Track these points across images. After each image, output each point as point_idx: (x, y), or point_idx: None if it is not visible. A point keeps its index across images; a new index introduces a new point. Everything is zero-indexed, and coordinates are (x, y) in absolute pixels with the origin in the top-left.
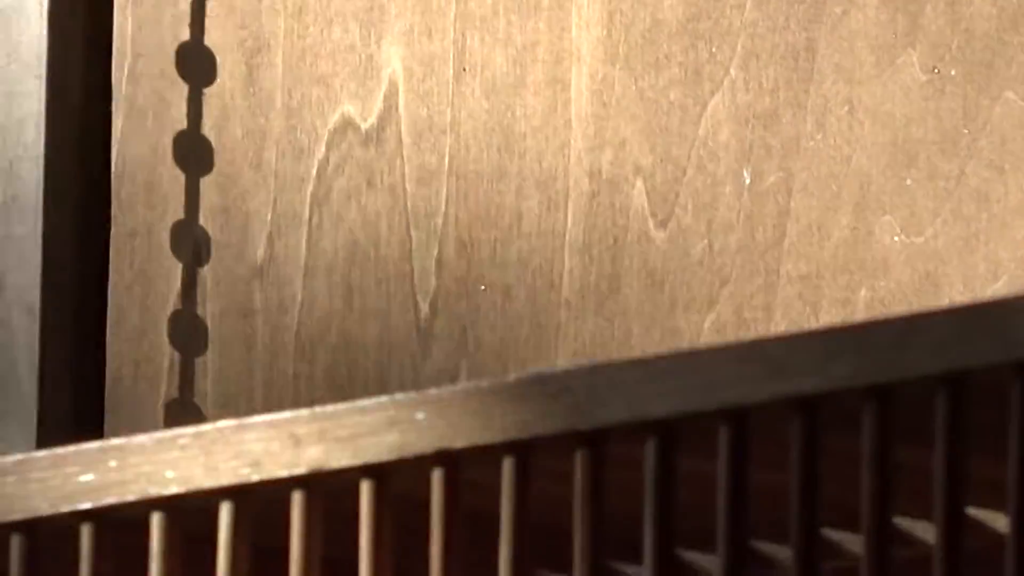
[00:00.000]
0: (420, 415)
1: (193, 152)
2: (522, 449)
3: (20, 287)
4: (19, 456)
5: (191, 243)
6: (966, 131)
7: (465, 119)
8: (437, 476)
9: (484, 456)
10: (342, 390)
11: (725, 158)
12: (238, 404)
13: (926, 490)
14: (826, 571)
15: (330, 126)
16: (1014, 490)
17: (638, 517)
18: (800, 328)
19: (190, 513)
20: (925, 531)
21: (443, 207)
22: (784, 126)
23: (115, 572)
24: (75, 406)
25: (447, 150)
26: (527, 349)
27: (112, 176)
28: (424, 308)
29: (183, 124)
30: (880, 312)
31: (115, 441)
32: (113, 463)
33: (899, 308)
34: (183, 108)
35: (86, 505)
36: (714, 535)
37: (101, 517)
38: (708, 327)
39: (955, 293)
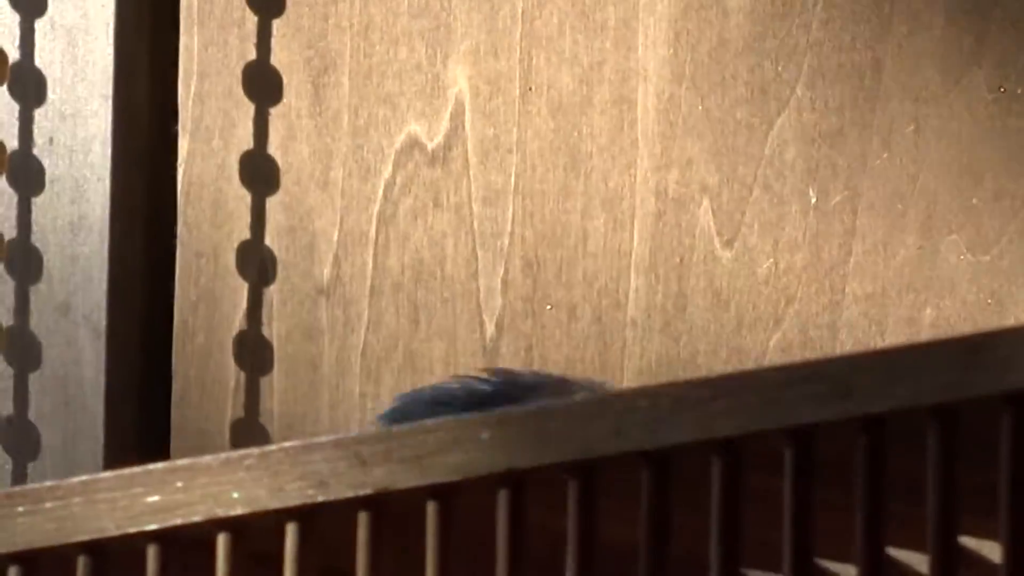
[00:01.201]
0: (485, 435)
1: (259, 172)
2: (586, 469)
3: (87, 307)
4: (86, 477)
5: (257, 263)
6: None
7: (531, 138)
8: (502, 497)
9: (548, 476)
10: None
11: (791, 177)
12: (304, 424)
13: (992, 511)
14: None
15: (396, 145)
16: None
17: (704, 535)
18: (865, 347)
19: (256, 534)
20: (992, 551)
21: (509, 227)
22: (850, 145)
23: None
24: (141, 426)
25: (513, 169)
26: (592, 368)
27: (178, 196)
28: (490, 327)
29: (249, 144)
30: (945, 332)
31: (181, 462)
32: (179, 484)
33: (965, 328)
34: (249, 128)
35: (152, 526)
36: (780, 554)
37: (167, 538)
38: (773, 346)
39: (1021, 313)
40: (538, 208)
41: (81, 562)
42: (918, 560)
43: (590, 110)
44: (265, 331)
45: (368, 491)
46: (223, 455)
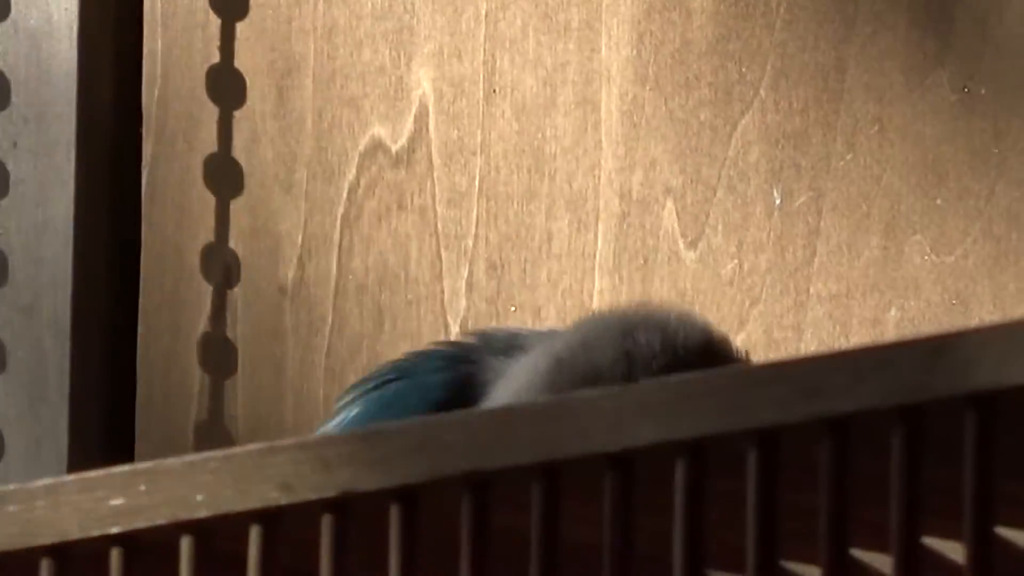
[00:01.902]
0: (450, 437)
1: (223, 175)
2: (552, 471)
3: (52, 310)
4: (49, 480)
5: (221, 265)
6: (996, 150)
7: (495, 140)
8: (467, 499)
9: (513, 478)
10: None
11: (755, 178)
12: (268, 427)
13: (957, 510)
14: None
15: (360, 148)
16: None
17: (667, 537)
18: (830, 348)
19: (220, 537)
20: (955, 552)
21: (473, 228)
22: (814, 146)
23: None
24: (106, 429)
25: (477, 171)
26: None
27: (142, 199)
28: (454, 329)
29: (213, 147)
30: (910, 332)
31: (145, 465)
32: (143, 487)
33: (929, 328)
34: (213, 130)
35: (116, 529)
36: (744, 555)
37: (131, 541)
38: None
39: (985, 313)
40: (502, 210)
41: (44, 565)
42: (882, 561)
43: (554, 112)
44: (229, 333)
45: (332, 493)
46: (187, 458)
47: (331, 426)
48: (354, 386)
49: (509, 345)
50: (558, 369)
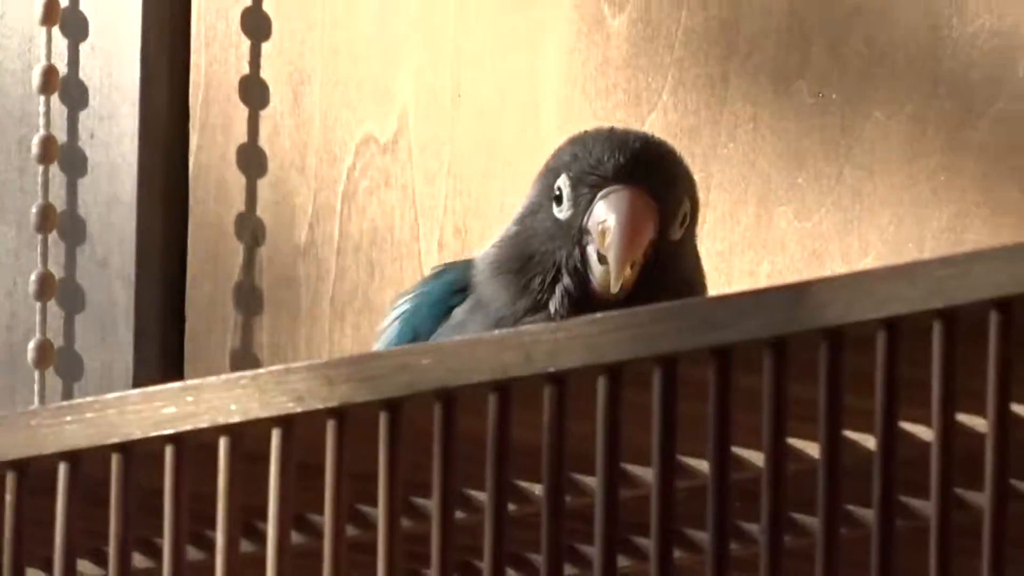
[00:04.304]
0: (425, 360)
1: (251, 160)
2: (504, 387)
3: (120, 263)
4: (119, 393)
5: (250, 230)
6: (843, 142)
7: (460, 133)
8: (437, 409)
9: (475, 392)
10: (367, 343)
11: None
12: (286, 354)
13: (813, 418)
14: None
15: (356, 140)
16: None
17: (591, 438)
18: (718, 292)
19: (249, 438)
20: (814, 450)
21: (443, 202)
22: (704, 138)
23: (192, 484)
24: (162, 355)
25: (446, 158)
26: None
27: (189, 178)
28: None
29: (244, 139)
30: (778, 281)
31: (191, 382)
32: (190, 399)
33: (792, 278)
34: (244, 126)
35: (169, 431)
36: (650, 453)
37: (180, 440)
38: None
39: (835, 266)
40: (465, 187)
41: (114, 459)
42: (756, 457)
43: (505, 111)
44: (257, 282)
45: (334, 404)
46: (223, 376)
47: (386, 322)
48: (404, 293)
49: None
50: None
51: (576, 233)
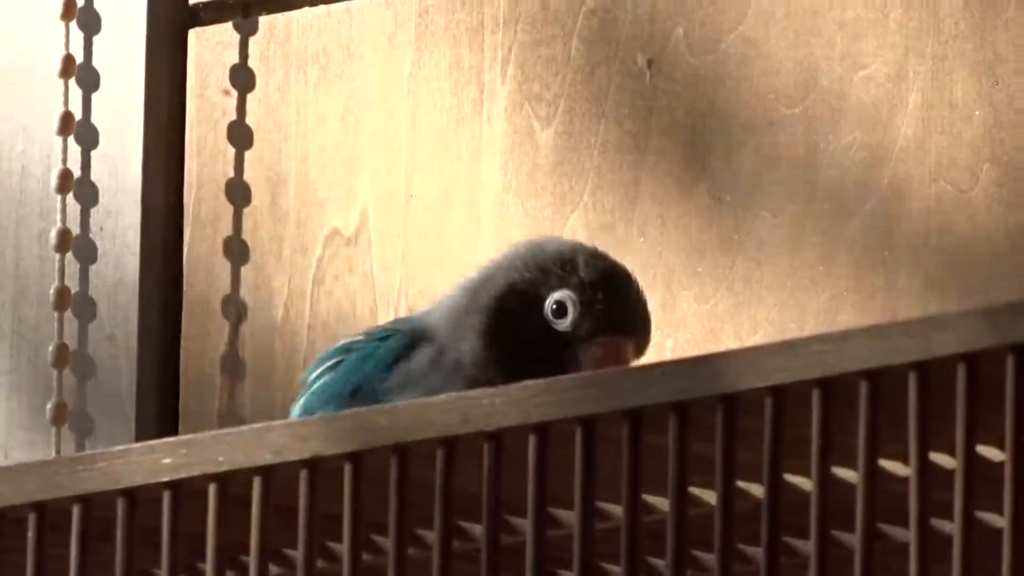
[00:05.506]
0: (383, 421)
1: (237, 250)
2: (450, 443)
3: (124, 338)
4: (123, 446)
5: (235, 309)
6: (736, 236)
7: (412, 228)
8: (393, 462)
9: (425, 448)
10: None
11: None
12: (266, 413)
13: (711, 474)
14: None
15: (324, 234)
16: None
17: (524, 486)
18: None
19: (234, 485)
20: (711, 498)
21: (398, 286)
22: (619, 233)
23: (186, 524)
24: (160, 415)
25: (400, 249)
26: None
27: (184, 266)
28: None
29: (230, 232)
30: (680, 355)
31: (185, 437)
32: (184, 451)
33: (693, 352)
34: (230, 222)
35: (166, 479)
36: (573, 499)
37: (176, 487)
38: None
39: (729, 342)
40: (416, 275)
41: (120, 502)
42: (663, 504)
43: (450, 210)
44: (240, 354)
45: (306, 456)
46: (212, 432)
47: (307, 393)
48: (320, 360)
49: (420, 316)
50: (472, 289)
51: (568, 346)
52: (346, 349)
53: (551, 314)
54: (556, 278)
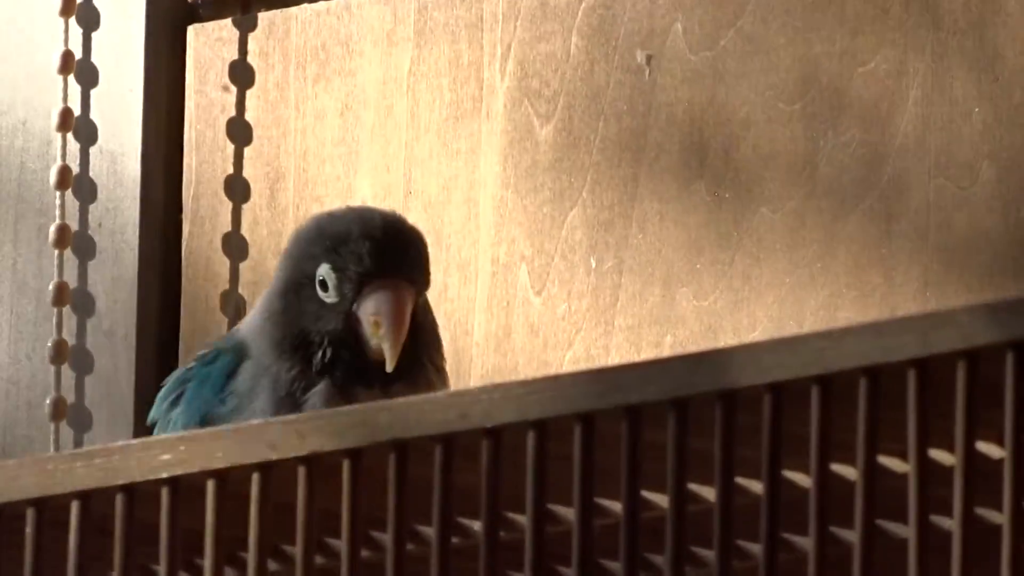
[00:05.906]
0: (382, 417)
1: (235, 246)
2: (448, 440)
3: (123, 333)
4: (122, 442)
5: (234, 305)
6: (735, 233)
7: None
8: (392, 459)
9: (423, 444)
10: None
11: (579, 250)
12: None
13: (710, 467)
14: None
15: None
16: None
17: (522, 483)
18: (629, 360)
19: (232, 481)
20: (709, 494)
21: None
22: (618, 230)
23: (185, 519)
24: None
25: None
26: (453, 376)
27: (182, 261)
28: None
29: (229, 228)
30: (679, 351)
31: (184, 433)
32: (182, 447)
33: (692, 348)
34: (229, 217)
35: (164, 475)
36: (572, 494)
37: (175, 483)
38: (567, 361)
39: (728, 339)
40: None
41: (119, 498)
42: (661, 499)
43: (449, 207)
44: None
45: (304, 453)
46: (211, 429)
47: (167, 430)
48: (161, 396)
49: (240, 329)
50: (266, 295)
51: (344, 316)
52: (182, 380)
53: (322, 294)
54: (317, 256)
